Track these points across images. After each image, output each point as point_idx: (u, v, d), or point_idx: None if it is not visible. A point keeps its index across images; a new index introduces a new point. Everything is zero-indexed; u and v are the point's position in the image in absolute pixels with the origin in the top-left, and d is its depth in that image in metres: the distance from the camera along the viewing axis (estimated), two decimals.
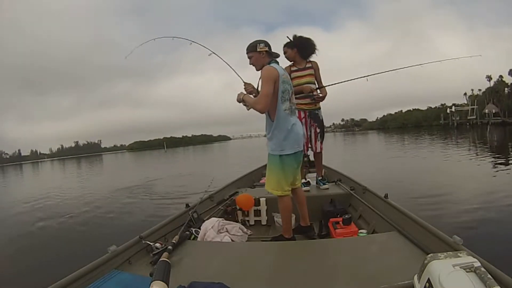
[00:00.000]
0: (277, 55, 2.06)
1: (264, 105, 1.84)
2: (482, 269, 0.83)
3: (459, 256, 0.90)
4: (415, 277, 0.97)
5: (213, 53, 2.53)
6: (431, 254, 0.92)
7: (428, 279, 0.87)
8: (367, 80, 2.90)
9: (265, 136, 2.42)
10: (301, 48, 2.87)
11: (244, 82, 2.22)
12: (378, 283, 1.16)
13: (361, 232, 1.98)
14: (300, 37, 2.87)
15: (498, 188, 4.67)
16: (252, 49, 1.97)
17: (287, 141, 1.93)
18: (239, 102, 2.04)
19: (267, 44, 1.97)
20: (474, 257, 0.92)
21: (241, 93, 2.06)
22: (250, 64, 2.01)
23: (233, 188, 3.31)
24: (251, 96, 2.07)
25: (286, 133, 1.93)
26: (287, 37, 2.87)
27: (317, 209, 2.52)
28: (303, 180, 2.92)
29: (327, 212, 2.45)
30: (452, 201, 4.17)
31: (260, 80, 1.93)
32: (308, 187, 2.92)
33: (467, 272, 0.83)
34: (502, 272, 1.03)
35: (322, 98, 2.93)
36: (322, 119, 3.02)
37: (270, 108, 1.90)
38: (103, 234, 4.18)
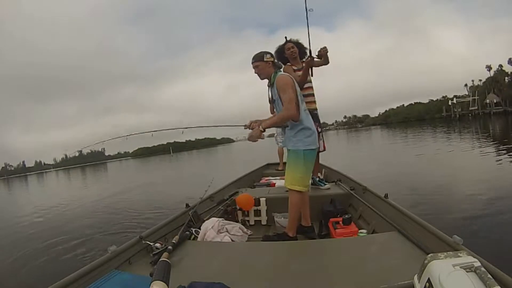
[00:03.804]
0: (281, 66, 2.14)
1: (295, 110, 1.91)
2: (482, 269, 0.83)
3: (459, 256, 0.90)
4: (415, 277, 0.97)
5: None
6: (431, 254, 0.92)
7: (428, 279, 0.87)
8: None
9: (269, 136, 2.43)
10: (300, 49, 2.95)
11: (248, 123, 2.18)
12: (378, 283, 1.16)
13: (361, 232, 1.98)
14: (297, 40, 2.96)
15: (500, 187, 4.66)
16: (259, 58, 2.03)
17: (311, 137, 2.01)
18: (260, 138, 2.00)
19: (273, 55, 2.07)
20: (474, 257, 0.92)
21: (256, 129, 1.99)
22: (255, 73, 2.06)
23: (233, 188, 3.31)
24: (267, 120, 2.04)
25: (311, 130, 2.01)
26: (285, 37, 2.94)
27: (317, 209, 2.52)
28: None
29: (327, 212, 2.46)
30: (452, 200, 4.16)
31: (273, 89, 2.02)
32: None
33: (467, 272, 0.83)
34: (502, 272, 1.03)
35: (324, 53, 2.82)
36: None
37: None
38: (103, 234, 4.18)
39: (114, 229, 4.45)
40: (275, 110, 2.17)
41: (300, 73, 2.88)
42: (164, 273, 1.13)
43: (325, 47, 2.79)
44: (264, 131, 1.99)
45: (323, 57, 2.85)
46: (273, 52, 2.97)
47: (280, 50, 2.93)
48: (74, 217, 5.62)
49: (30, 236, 4.64)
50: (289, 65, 2.91)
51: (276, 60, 2.10)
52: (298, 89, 2.03)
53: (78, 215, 5.85)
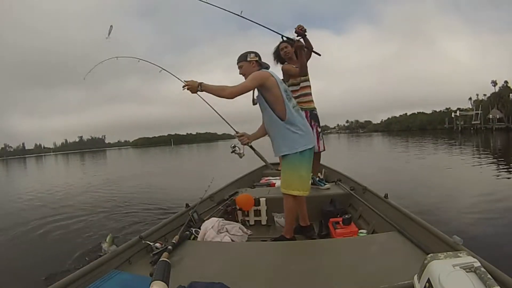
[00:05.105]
0: (267, 66, 2.05)
1: (231, 95, 1.78)
2: (482, 269, 0.83)
3: (459, 256, 0.90)
4: (415, 277, 0.97)
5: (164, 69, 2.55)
6: (431, 254, 0.92)
7: (428, 279, 0.87)
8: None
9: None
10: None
11: (236, 132, 2.17)
12: (378, 283, 1.16)
13: (361, 232, 1.98)
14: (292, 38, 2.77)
15: (499, 189, 4.67)
16: (242, 58, 1.98)
17: (304, 137, 1.92)
18: (194, 92, 1.84)
19: (257, 55, 1.99)
20: (474, 257, 0.92)
21: (195, 84, 1.82)
22: (240, 73, 2.00)
23: (233, 188, 3.30)
24: (210, 84, 1.85)
25: (303, 127, 1.93)
26: (282, 36, 2.72)
27: (317, 209, 2.52)
28: None
29: (327, 212, 2.46)
30: (452, 201, 4.17)
31: (254, 90, 1.94)
32: None
33: (467, 272, 0.83)
34: (502, 272, 1.03)
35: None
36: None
37: (280, 110, 1.89)
38: (103, 234, 4.17)
39: (114, 228, 4.44)
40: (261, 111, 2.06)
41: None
42: (164, 273, 1.13)
43: (300, 25, 2.48)
44: (202, 90, 1.81)
45: (301, 37, 2.48)
46: (272, 54, 2.92)
47: (277, 51, 2.87)
48: (73, 215, 5.60)
49: (27, 234, 4.59)
50: (287, 65, 2.87)
51: (261, 60, 2.01)
52: (283, 86, 1.93)
53: (78, 213, 5.83)
